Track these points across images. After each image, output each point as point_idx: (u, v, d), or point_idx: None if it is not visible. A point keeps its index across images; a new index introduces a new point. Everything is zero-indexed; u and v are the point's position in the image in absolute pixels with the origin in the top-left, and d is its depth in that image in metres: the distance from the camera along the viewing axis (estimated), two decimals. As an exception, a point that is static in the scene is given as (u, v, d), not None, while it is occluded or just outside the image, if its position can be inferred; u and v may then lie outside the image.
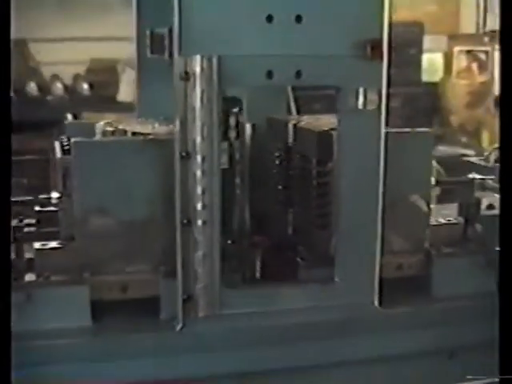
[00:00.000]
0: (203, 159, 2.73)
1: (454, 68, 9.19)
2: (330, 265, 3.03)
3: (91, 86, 9.32)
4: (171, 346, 2.84)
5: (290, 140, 3.38)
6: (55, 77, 9.42)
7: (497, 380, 2.48)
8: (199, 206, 2.76)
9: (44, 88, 9.25)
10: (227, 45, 2.70)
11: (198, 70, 2.67)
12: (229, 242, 3.22)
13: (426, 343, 3.05)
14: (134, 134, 3.05)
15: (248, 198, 3.28)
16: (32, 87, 8.94)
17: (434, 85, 9.23)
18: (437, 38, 9.31)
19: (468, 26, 10.04)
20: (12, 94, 8.36)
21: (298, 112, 4.21)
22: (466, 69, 9.12)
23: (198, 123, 2.70)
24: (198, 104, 2.69)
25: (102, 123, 3.21)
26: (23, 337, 2.60)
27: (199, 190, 2.75)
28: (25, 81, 9.12)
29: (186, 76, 2.67)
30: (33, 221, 3.06)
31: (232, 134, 2.99)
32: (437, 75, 9.34)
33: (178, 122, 2.70)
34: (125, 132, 3.05)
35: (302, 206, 3.31)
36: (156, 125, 3.17)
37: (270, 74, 2.77)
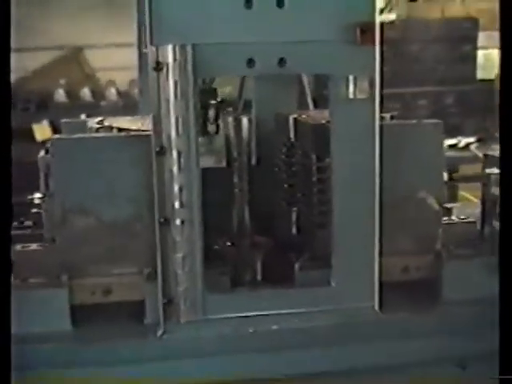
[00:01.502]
0: (179, 155, 2.52)
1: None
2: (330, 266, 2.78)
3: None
4: (152, 352, 2.63)
5: (292, 135, 3.13)
6: (110, 82, 9.40)
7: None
8: (177, 205, 2.56)
9: (98, 94, 9.24)
10: (203, 32, 2.49)
11: (170, 59, 2.46)
12: (228, 243, 3.02)
13: (432, 352, 2.75)
14: (119, 130, 2.86)
15: (248, 197, 3.06)
16: (85, 92, 8.91)
17: (490, 82, 8.80)
18: (493, 34, 8.88)
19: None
20: (65, 99, 8.37)
21: (316, 107, 3.94)
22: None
23: (173, 117, 2.49)
24: (171, 96, 2.48)
25: (95, 121, 3.04)
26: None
27: (176, 188, 2.55)
28: (79, 87, 9.13)
29: (158, 66, 2.47)
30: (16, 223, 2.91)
31: (211, 128, 2.76)
32: (493, 72, 8.90)
33: (151, 116, 2.50)
34: (111, 128, 2.87)
35: (304, 203, 3.06)
36: (147, 121, 2.97)
37: (250, 63, 2.55)
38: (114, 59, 8.96)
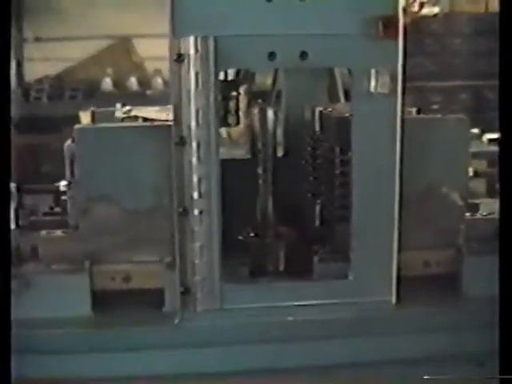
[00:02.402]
0: (198, 145, 2.49)
1: None
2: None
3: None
4: (169, 340, 2.61)
5: (317, 127, 3.08)
6: (157, 71, 9.41)
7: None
8: (195, 195, 2.53)
9: (145, 83, 9.26)
10: (224, 25, 2.45)
11: (192, 51, 2.43)
12: (251, 234, 2.99)
13: (449, 347, 2.69)
14: (144, 120, 2.84)
15: (272, 188, 3.01)
16: (132, 82, 8.95)
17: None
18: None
19: None
20: (112, 87, 8.40)
21: (347, 99, 3.87)
22: None
23: (193, 108, 2.47)
24: (192, 87, 2.46)
25: (123, 111, 3.03)
26: (22, 324, 2.46)
27: (195, 178, 2.52)
28: (127, 76, 9.16)
29: (180, 58, 2.44)
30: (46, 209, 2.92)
31: (232, 119, 2.73)
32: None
33: (172, 107, 2.47)
34: (136, 118, 2.85)
35: (327, 196, 3.01)
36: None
37: (272, 56, 2.50)
38: (162, 49, 8.95)
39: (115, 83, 8.90)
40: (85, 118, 3.82)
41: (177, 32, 2.43)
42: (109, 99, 7.83)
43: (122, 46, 9.50)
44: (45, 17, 9.53)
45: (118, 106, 3.41)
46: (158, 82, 9.15)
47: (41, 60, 9.40)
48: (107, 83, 8.80)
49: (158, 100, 8.91)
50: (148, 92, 8.93)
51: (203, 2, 2.44)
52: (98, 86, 8.88)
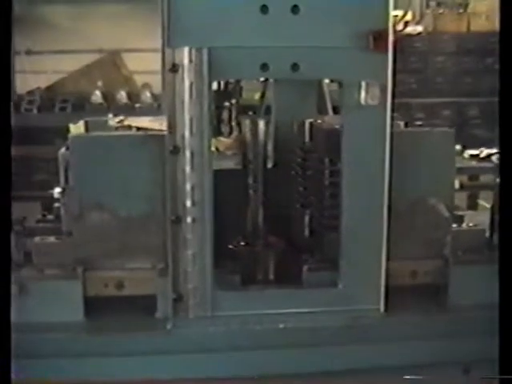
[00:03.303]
0: (192, 154, 2.49)
1: None
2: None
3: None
4: (161, 345, 2.60)
5: (307, 139, 3.08)
6: (146, 85, 9.41)
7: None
8: (188, 203, 2.53)
9: (134, 96, 9.24)
10: (218, 36, 2.46)
11: (186, 61, 2.44)
12: (242, 243, 2.99)
13: (436, 355, 2.69)
14: (138, 129, 2.84)
15: (262, 198, 3.01)
16: (122, 95, 8.93)
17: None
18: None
19: None
20: (101, 100, 8.38)
21: (335, 112, 3.90)
22: None
23: (187, 117, 2.47)
24: (186, 97, 2.46)
25: (116, 120, 3.02)
26: (15, 329, 2.43)
27: (188, 187, 2.52)
28: (116, 89, 9.14)
29: (174, 68, 2.44)
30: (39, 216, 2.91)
31: (225, 129, 2.73)
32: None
33: (166, 116, 2.47)
34: (129, 127, 2.85)
35: (316, 207, 3.02)
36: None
37: (264, 67, 2.51)
38: (151, 63, 8.95)
39: (105, 96, 8.87)
40: (75, 130, 3.81)
41: (171, 42, 2.43)
42: (98, 111, 7.83)
43: (111, 59, 9.49)
44: (36, 30, 9.52)
45: (110, 116, 3.41)
46: (147, 95, 9.13)
47: (32, 72, 9.39)
48: (97, 96, 8.78)
49: (147, 113, 8.91)
50: (137, 105, 8.90)
51: (198, 14, 2.44)
52: (88, 99, 8.85)
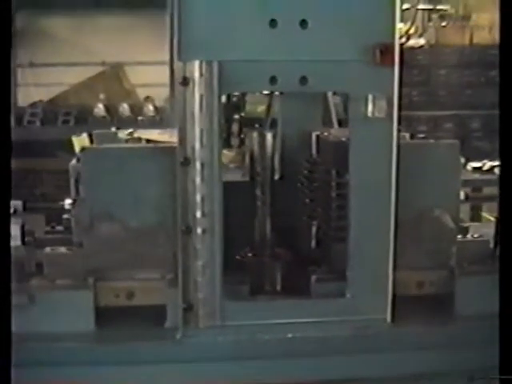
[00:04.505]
0: (202, 166, 2.56)
1: None
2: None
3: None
4: (171, 355, 2.65)
5: (314, 151, 3.15)
6: (148, 98, 9.48)
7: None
8: (198, 214, 2.59)
9: (137, 109, 9.32)
10: (228, 50, 2.53)
11: (196, 75, 2.50)
12: (249, 254, 3.04)
13: (442, 364, 2.74)
14: (148, 141, 2.90)
15: (270, 210, 3.07)
16: (124, 107, 9.00)
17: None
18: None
19: None
20: (104, 113, 8.45)
21: (340, 124, 3.96)
22: None
23: (197, 129, 2.53)
24: (197, 110, 2.52)
25: (126, 133, 3.09)
26: (26, 338, 2.49)
27: (198, 198, 2.58)
28: (119, 102, 9.22)
29: (185, 81, 2.51)
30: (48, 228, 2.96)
31: (235, 141, 2.79)
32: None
33: (177, 128, 2.53)
34: (139, 140, 2.91)
35: (323, 218, 3.07)
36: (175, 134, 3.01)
37: (273, 80, 2.58)
38: (153, 76, 9.03)
39: (107, 109, 8.95)
40: (78, 142, 3.87)
41: (182, 56, 2.49)
42: (101, 124, 7.90)
43: (114, 72, 9.57)
44: (39, 43, 9.60)
45: (113, 129, 3.47)
46: (149, 108, 9.20)
47: (34, 85, 9.46)
48: (100, 109, 8.86)
49: (149, 126, 8.98)
50: (139, 118, 8.98)
51: (209, 28, 2.51)
52: (91, 111, 8.93)
